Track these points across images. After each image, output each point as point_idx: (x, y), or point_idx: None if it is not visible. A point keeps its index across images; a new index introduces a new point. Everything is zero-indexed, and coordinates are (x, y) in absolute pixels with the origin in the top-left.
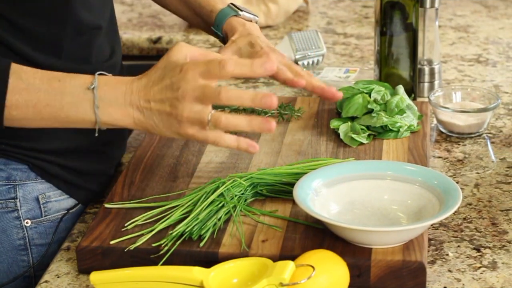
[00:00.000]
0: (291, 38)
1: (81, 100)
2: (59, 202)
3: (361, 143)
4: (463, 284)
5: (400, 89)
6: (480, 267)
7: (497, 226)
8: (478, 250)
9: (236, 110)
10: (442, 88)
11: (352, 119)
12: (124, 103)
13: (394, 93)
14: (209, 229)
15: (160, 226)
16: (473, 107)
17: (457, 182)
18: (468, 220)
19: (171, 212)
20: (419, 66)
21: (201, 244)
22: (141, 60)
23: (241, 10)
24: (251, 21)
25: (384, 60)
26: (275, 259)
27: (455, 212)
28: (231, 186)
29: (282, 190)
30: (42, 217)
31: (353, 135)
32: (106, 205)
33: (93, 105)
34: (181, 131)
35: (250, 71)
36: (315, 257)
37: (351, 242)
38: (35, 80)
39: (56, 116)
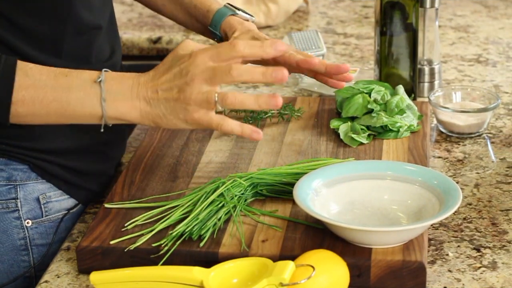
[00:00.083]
0: (291, 38)
1: (88, 94)
2: (60, 202)
3: (361, 143)
4: (463, 284)
5: (400, 89)
6: (480, 267)
7: (497, 226)
8: (478, 250)
9: (236, 112)
10: (442, 88)
11: (352, 119)
12: (131, 97)
13: (394, 93)
14: (209, 229)
15: (160, 226)
16: (473, 107)
17: (457, 182)
18: (468, 220)
19: (171, 212)
20: (419, 66)
21: (201, 244)
22: (141, 60)
23: (238, 10)
24: (247, 20)
25: (384, 60)
26: (275, 259)
27: (455, 212)
28: (231, 186)
29: (282, 190)
30: (42, 217)
31: (353, 135)
32: (106, 205)
33: (100, 99)
34: (187, 116)
35: (261, 51)
36: (315, 257)
37: (351, 242)
38: (41, 76)
39: (62, 112)
